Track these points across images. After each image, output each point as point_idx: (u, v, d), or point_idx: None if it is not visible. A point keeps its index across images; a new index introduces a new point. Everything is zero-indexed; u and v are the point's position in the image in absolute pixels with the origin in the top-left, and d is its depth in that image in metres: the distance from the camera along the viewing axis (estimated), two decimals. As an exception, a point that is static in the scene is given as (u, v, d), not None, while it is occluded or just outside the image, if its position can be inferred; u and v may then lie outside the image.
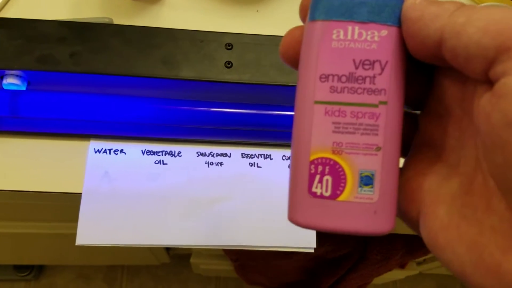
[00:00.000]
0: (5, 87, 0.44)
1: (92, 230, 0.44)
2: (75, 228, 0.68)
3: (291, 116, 0.47)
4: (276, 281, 0.92)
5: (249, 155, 0.48)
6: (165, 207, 0.45)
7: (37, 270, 1.12)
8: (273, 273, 0.85)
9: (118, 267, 1.17)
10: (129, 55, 0.45)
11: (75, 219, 0.65)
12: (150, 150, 0.47)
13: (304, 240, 0.45)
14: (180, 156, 0.47)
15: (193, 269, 0.99)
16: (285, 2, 0.56)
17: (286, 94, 0.48)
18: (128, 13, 0.53)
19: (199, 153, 0.48)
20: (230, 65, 0.46)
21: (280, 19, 0.55)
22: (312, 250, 0.45)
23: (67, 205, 0.49)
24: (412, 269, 0.94)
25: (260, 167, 0.48)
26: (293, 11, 0.57)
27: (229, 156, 0.48)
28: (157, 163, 0.47)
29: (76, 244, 0.43)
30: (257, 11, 0.55)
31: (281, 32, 0.52)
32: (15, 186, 0.44)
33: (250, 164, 0.48)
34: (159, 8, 0.54)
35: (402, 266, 0.89)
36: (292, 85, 0.46)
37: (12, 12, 0.51)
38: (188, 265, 1.05)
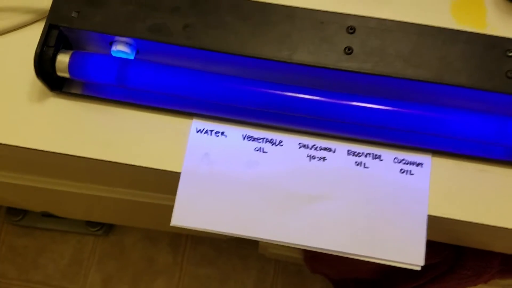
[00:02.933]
0: (113, 54, 0.43)
1: (188, 212, 0.42)
2: (153, 197, 0.68)
3: (412, 114, 0.43)
4: (345, 274, 0.89)
5: (356, 153, 0.44)
6: (261, 198, 0.43)
7: (107, 227, 1.16)
8: (344, 267, 0.82)
9: (183, 234, 1.18)
10: (244, 33, 0.42)
11: (156, 190, 0.65)
12: (251, 136, 0.44)
13: (410, 256, 0.41)
14: (282, 145, 0.44)
15: (259, 250, 0.98)
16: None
17: (411, 90, 0.43)
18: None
19: (301, 145, 0.44)
20: (350, 51, 0.41)
21: (407, 2, 0.49)
22: (419, 268, 0.41)
23: (154, 177, 0.48)
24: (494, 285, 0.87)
25: (367, 167, 0.43)
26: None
27: (334, 152, 0.44)
28: (257, 151, 0.44)
29: (171, 224, 0.42)
30: (379, -8, 0.50)
31: (408, 18, 0.47)
32: (115, 157, 0.43)
33: (356, 163, 0.44)
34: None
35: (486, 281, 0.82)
36: (419, 80, 0.41)
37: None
38: (253, 243, 1.04)
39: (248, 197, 0.42)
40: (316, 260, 0.81)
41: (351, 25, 0.42)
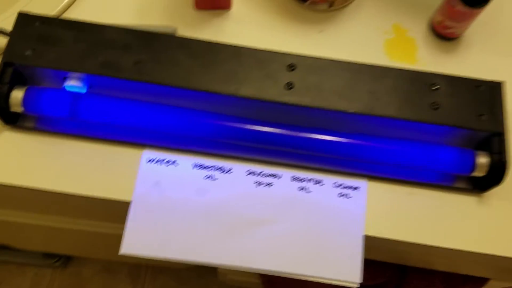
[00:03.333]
0: (67, 89, 0.45)
1: (138, 240, 0.43)
2: (109, 227, 0.69)
3: (347, 143, 0.47)
4: (302, 299, 0.91)
5: (300, 179, 0.47)
6: (210, 223, 0.45)
7: (65, 259, 1.14)
8: (300, 291, 0.84)
9: (142, 264, 1.17)
10: (192, 69, 0.45)
11: (111, 219, 0.66)
12: (201, 164, 0.47)
13: (348, 274, 0.44)
14: (231, 173, 0.47)
15: (219, 277, 0.99)
16: (347, 25, 0.55)
17: (346, 121, 0.47)
18: (192, 23, 0.53)
19: (249, 172, 0.47)
20: (291, 86, 0.45)
21: (343, 42, 0.54)
22: (356, 285, 0.44)
23: (106, 206, 0.50)
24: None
25: (310, 192, 0.47)
26: (355, 33, 0.56)
27: (279, 178, 0.47)
28: (207, 178, 0.46)
29: (119, 253, 0.43)
30: (321, 31, 0.54)
31: (344, 56, 0.52)
32: (68, 188, 0.44)
33: (300, 188, 0.47)
34: (222, 20, 0.53)
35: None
36: (352, 112, 0.45)
37: (76, 13, 0.52)
38: (213, 271, 1.05)
39: (198, 223, 0.45)
40: (273, 284, 0.83)
41: (292, 63, 0.46)
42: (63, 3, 0.51)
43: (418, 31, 0.55)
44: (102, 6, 0.53)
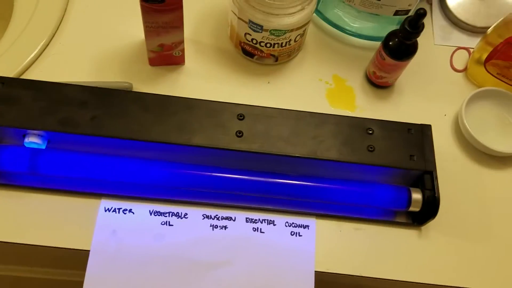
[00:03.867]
0: (26, 145, 0.47)
1: (97, 289, 0.45)
2: (73, 274, 0.69)
3: (294, 185, 0.50)
4: None
5: (253, 220, 0.50)
6: (168, 269, 0.46)
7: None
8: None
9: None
10: (146, 121, 0.48)
11: (73, 267, 0.66)
12: (157, 210, 0.49)
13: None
14: (186, 218, 0.49)
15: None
16: (292, 76, 0.60)
17: (292, 164, 0.50)
18: (147, 79, 0.56)
19: (204, 216, 0.49)
20: (241, 134, 0.49)
21: (288, 91, 0.59)
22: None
23: (67, 255, 0.51)
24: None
25: (263, 232, 0.49)
26: (299, 84, 0.61)
27: (234, 220, 0.50)
28: (164, 224, 0.48)
29: (80, 302, 0.44)
30: (268, 82, 0.59)
31: (289, 105, 0.56)
32: (28, 240, 0.45)
33: (254, 229, 0.49)
34: (176, 75, 0.57)
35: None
36: (297, 157, 0.48)
37: (35, 73, 0.55)
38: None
39: (156, 270, 0.46)
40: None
41: (241, 112, 0.50)
42: (23, 64, 0.54)
43: (355, 80, 0.61)
44: (61, 65, 0.56)
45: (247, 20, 0.53)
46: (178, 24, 0.51)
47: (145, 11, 0.48)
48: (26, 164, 0.45)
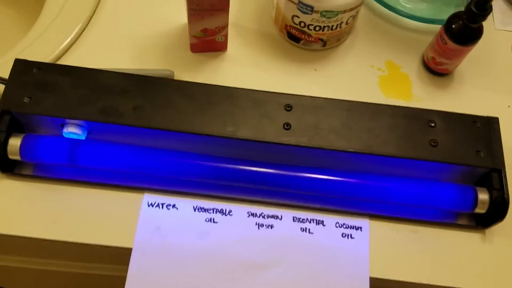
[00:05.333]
0: (65, 136, 0.45)
1: (140, 287, 0.42)
2: (106, 269, 0.67)
3: (347, 182, 0.47)
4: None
5: (301, 219, 0.47)
6: (213, 269, 0.44)
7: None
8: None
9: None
10: (189, 112, 0.45)
11: (109, 261, 0.64)
12: (201, 207, 0.46)
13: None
14: (231, 215, 0.46)
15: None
16: (341, 63, 0.55)
17: (345, 159, 0.47)
18: (189, 66, 0.53)
19: (250, 213, 0.46)
20: (288, 127, 0.45)
21: (336, 79, 0.54)
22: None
23: (107, 252, 0.49)
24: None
25: (312, 233, 0.46)
26: (349, 71, 0.57)
27: (280, 219, 0.47)
28: (208, 221, 0.46)
29: (121, 302, 0.42)
30: (315, 69, 0.55)
31: (338, 94, 0.52)
32: (67, 236, 0.43)
33: (302, 229, 0.46)
34: (219, 62, 0.54)
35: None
36: (350, 152, 0.45)
37: (72, 58, 0.52)
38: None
39: (200, 269, 0.44)
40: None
41: (288, 103, 0.46)
42: (60, 49, 0.51)
43: (411, 67, 0.56)
44: (99, 51, 0.53)
45: (296, 1, 0.49)
46: (224, 7, 0.47)
47: (188, -7, 0.45)
48: (65, 155, 0.43)
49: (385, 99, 0.54)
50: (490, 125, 0.47)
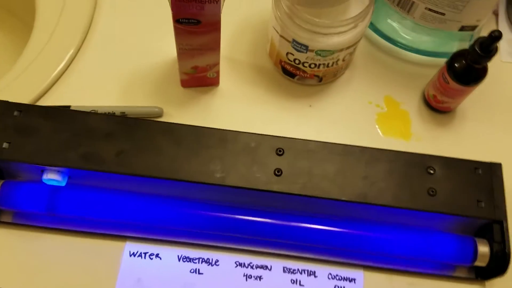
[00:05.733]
0: (45, 182, 0.43)
1: None
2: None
3: (340, 232, 0.44)
4: None
5: (292, 270, 0.44)
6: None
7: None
8: None
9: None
10: (176, 157, 0.43)
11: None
12: (187, 256, 0.44)
13: None
14: (218, 265, 0.44)
15: None
16: (337, 99, 0.53)
17: (338, 207, 0.44)
18: (179, 102, 0.51)
19: (237, 263, 0.44)
20: (280, 173, 0.43)
21: (332, 115, 0.52)
22: None
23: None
24: None
25: (303, 285, 0.44)
26: (346, 108, 0.54)
27: (270, 270, 0.44)
28: (193, 272, 0.43)
29: None
30: (310, 105, 0.53)
31: (334, 132, 0.50)
32: (42, 286, 0.41)
33: (292, 281, 0.44)
34: (209, 97, 0.52)
35: None
36: (344, 200, 0.42)
37: (58, 95, 0.50)
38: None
39: (183, 323, 0.42)
40: None
41: (280, 147, 0.44)
42: (44, 85, 0.50)
43: (411, 104, 0.54)
44: (85, 87, 0.51)
45: (290, 39, 0.47)
46: (214, 46, 0.45)
47: (178, 33, 0.43)
48: (44, 203, 0.41)
49: (383, 138, 0.51)
50: (492, 172, 0.45)
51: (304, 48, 0.46)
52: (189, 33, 0.42)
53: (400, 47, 0.56)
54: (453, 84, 0.48)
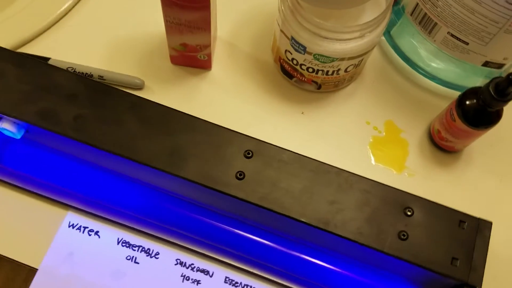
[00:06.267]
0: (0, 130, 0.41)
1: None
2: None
3: (292, 256, 0.40)
4: None
5: (234, 282, 0.41)
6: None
7: None
8: None
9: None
10: (137, 135, 0.40)
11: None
12: (127, 241, 0.41)
13: None
14: (157, 258, 0.41)
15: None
16: (333, 112, 0.49)
17: (297, 227, 0.40)
18: (164, 78, 0.48)
19: (178, 261, 0.41)
20: (242, 176, 0.39)
21: (324, 130, 0.48)
22: None
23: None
24: None
25: (242, 301, 0.40)
26: (340, 123, 0.49)
27: (211, 276, 0.41)
28: (129, 259, 0.41)
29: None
30: (302, 112, 0.48)
31: (320, 148, 0.46)
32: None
33: (231, 294, 0.40)
34: (198, 81, 0.49)
35: None
36: (302, 222, 0.38)
37: (42, 45, 0.48)
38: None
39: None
40: None
41: (249, 149, 0.40)
42: (31, 33, 0.48)
43: (413, 134, 0.49)
44: (72, 44, 0.49)
45: (290, 36, 0.42)
46: (203, 26, 0.41)
47: (165, 4, 0.39)
48: (-9, 152, 0.40)
49: (372, 164, 0.47)
50: (479, 230, 0.39)
51: (302, 48, 0.42)
52: (176, 6, 0.39)
53: (417, 70, 0.50)
54: (459, 124, 0.42)
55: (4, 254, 0.39)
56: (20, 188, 0.41)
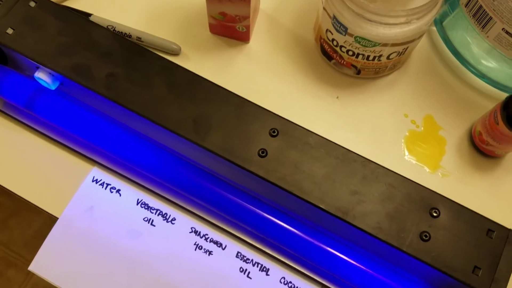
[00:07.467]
0: (36, 79, 0.42)
1: (50, 262, 0.39)
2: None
3: (308, 241, 0.39)
4: None
5: (245, 258, 0.41)
6: (127, 274, 0.40)
7: None
8: None
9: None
10: (164, 100, 0.40)
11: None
12: (146, 203, 0.42)
13: None
14: (173, 223, 0.41)
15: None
16: (370, 100, 0.47)
17: (316, 213, 0.39)
18: (201, 46, 0.47)
19: (193, 229, 0.41)
20: (264, 154, 0.39)
21: (358, 118, 0.46)
22: None
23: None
24: None
25: (251, 278, 0.40)
26: (376, 113, 0.47)
27: (223, 249, 0.41)
28: (146, 221, 0.41)
29: (28, 268, 0.39)
30: (337, 97, 0.47)
31: (351, 136, 0.44)
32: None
33: (241, 269, 0.40)
34: (235, 53, 0.48)
35: None
36: (320, 208, 0.37)
37: (83, 2, 0.49)
38: None
39: (115, 269, 0.40)
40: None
41: (275, 127, 0.39)
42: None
43: (453, 133, 0.46)
44: (115, 2, 0.49)
45: (332, 15, 0.41)
46: (244, -4, 0.40)
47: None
48: (24, 98, 0.41)
49: (405, 158, 0.45)
50: (508, 242, 0.37)
51: (344, 29, 0.40)
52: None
53: (467, 66, 0.47)
54: (502, 127, 0.39)
55: (28, 199, 0.41)
56: (49, 138, 0.42)
